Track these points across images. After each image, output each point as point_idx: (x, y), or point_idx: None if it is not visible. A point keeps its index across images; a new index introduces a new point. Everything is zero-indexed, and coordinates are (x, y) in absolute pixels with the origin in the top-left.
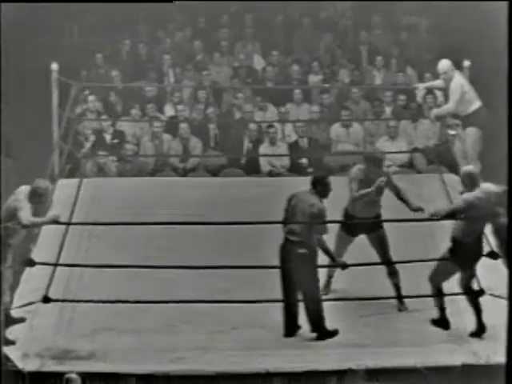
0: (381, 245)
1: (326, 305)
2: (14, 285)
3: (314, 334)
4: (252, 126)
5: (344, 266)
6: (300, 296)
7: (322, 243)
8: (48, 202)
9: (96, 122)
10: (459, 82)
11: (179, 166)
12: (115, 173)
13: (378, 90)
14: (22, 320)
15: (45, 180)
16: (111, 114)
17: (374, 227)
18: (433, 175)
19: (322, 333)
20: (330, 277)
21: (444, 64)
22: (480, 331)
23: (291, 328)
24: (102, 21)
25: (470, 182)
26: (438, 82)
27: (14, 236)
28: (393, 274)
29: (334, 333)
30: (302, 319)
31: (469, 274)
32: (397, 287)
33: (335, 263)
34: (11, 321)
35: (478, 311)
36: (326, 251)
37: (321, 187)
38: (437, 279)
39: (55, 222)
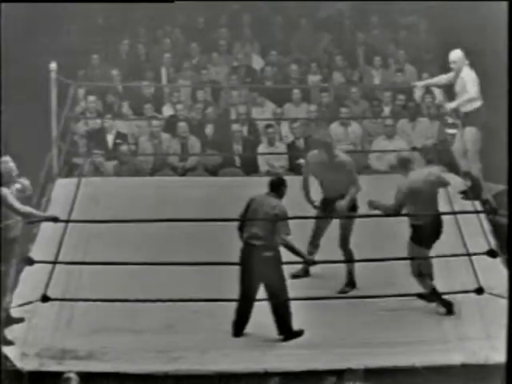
0: (346, 228)
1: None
2: (13, 284)
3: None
4: (235, 126)
5: (312, 263)
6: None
7: (288, 243)
8: (14, 181)
9: (95, 122)
10: (473, 76)
11: (178, 165)
12: (112, 172)
13: (376, 90)
14: (21, 320)
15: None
16: (111, 114)
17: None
18: None
19: (290, 334)
20: (349, 273)
21: (455, 54)
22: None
23: (241, 329)
24: (101, 20)
25: (402, 167)
26: (437, 79)
27: (14, 229)
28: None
29: (299, 333)
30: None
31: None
32: (349, 273)
33: (304, 260)
34: (11, 320)
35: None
36: (294, 250)
37: (279, 189)
38: (414, 267)
39: (53, 219)
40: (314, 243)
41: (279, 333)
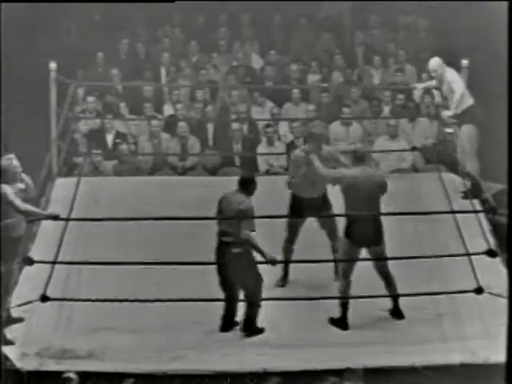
0: (330, 225)
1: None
2: (13, 284)
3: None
4: (235, 125)
5: (274, 262)
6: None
7: (251, 240)
8: (17, 179)
9: (94, 122)
10: (456, 75)
11: (178, 165)
12: (111, 172)
13: (376, 90)
14: (20, 320)
15: (4, 156)
16: (110, 114)
17: (321, 208)
18: (431, 174)
19: (253, 329)
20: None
21: (433, 62)
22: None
23: (228, 324)
24: (100, 20)
25: (357, 162)
26: (434, 82)
27: (17, 228)
28: (335, 252)
29: (261, 330)
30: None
31: (376, 255)
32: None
33: (265, 260)
34: (10, 320)
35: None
36: (256, 248)
37: (248, 186)
38: (343, 267)
39: (53, 217)
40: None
41: (244, 329)
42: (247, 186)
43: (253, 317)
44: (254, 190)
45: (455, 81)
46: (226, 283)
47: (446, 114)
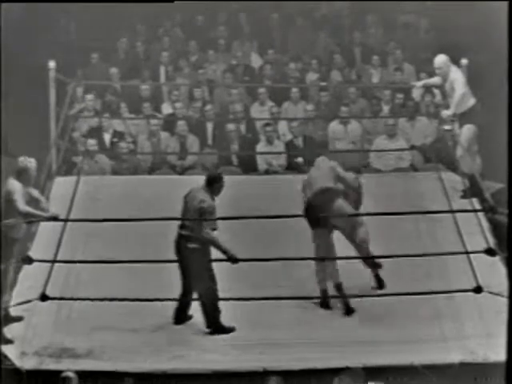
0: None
1: None
2: (12, 283)
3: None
4: (231, 126)
5: (234, 261)
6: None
7: (211, 238)
8: (30, 184)
9: (94, 121)
10: (459, 74)
11: (177, 163)
12: (111, 171)
13: (375, 89)
14: (20, 319)
15: (26, 157)
16: (109, 112)
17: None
18: (430, 173)
19: (217, 328)
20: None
21: (439, 59)
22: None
23: (180, 317)
24: (99, 19)
25: None
26: (435, 79)
27: (16, 229)
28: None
29: (230, 329)
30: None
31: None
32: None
33: (228, 257)
34: (9, 319)
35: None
36: (217, 246)
37: (214, 185)
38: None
39: (52, 219)
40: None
41: (206, 326)
42: (213, 184)
43: (211, 315)
44: (221, 188)
45: (458, 80)
46: (183, 275)
47: (445, 113)
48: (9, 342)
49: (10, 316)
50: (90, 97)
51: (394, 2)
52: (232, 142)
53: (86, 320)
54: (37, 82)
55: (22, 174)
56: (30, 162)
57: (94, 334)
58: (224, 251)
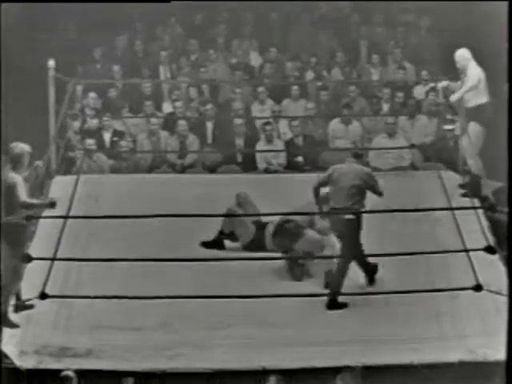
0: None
1: None
2: (12, 282)
3: None
4: (237, 120)
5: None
6: None
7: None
8: (26, 166)
9: (93, 119)
10: (476, 69)
11: (176, 162)
12: (110, 170)
13: (375, 87)
14: (31, 306)
15: (18, 143)
16: (111, 112)
17: None
18: (430, 172)
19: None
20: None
21: (459, 53)
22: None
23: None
24: (99, 18)
25: None
26: (458, 84)
27: (23, 228)
28: None
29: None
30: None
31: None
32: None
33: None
34: (21, 308)
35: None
36: None
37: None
38: None
39: (52, 205)
40: None
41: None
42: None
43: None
44: None
45: (472, 72)
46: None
47: (452, 97)
48: (15, 326)
49: (22, 305)
50: (93, 94)
51: (393, 2)
52: (239, 136)
53: (86, 319)
54: (37, 82)
55: (16, 161)
56: (23, 147)
57: (94, 333)
58: None
